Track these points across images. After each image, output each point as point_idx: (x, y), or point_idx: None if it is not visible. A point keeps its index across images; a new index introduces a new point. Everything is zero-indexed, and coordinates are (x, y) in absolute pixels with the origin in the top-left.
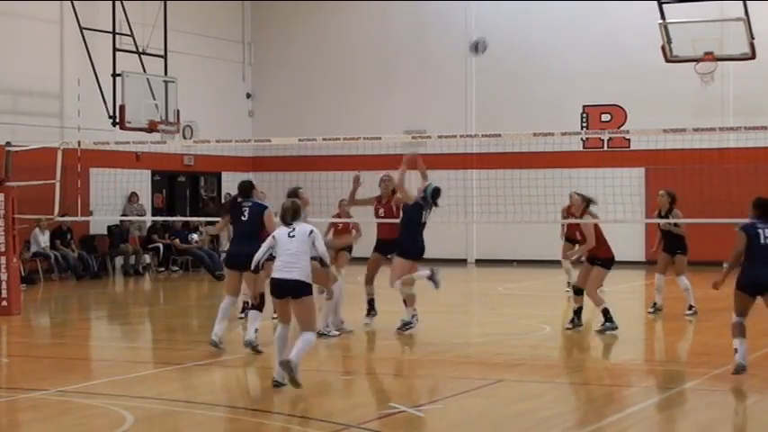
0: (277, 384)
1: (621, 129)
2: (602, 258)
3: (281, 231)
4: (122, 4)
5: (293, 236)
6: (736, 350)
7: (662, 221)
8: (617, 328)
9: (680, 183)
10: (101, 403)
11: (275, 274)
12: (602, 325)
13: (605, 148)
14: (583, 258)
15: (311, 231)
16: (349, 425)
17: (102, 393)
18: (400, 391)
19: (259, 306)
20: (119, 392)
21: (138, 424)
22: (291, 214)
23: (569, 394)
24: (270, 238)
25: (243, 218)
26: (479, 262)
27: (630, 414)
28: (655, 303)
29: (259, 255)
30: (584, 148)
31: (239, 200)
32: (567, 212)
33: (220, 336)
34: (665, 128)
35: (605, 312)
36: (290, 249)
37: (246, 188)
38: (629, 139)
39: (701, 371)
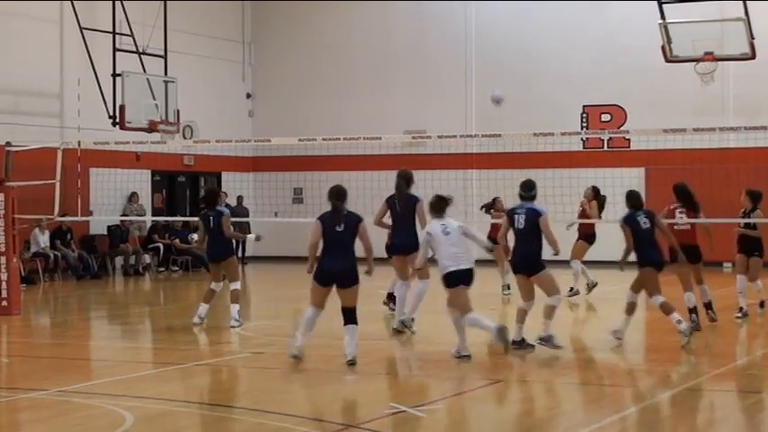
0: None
1: (621, 129)
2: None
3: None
4: (122, 4)
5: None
6: (679, 321)
7: (737, 220)
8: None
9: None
10: (101, 403)
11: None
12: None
13: (605, 148)
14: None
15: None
16: (349, 425)
17: (102, 393)
18: (400, 391)
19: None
20: (119, 392)
21: (138, 424)
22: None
23: (569, 394)
24: (426, 234)
25: (211, 225)
26: (479, 262)
27: (630, 414)
28: (741, 308)
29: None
30: (584, 148)
31: (204, 210)
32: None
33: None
34: (665, 128)
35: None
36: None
37: (211, 198)
38: (629, 139)
39: (701, 371)
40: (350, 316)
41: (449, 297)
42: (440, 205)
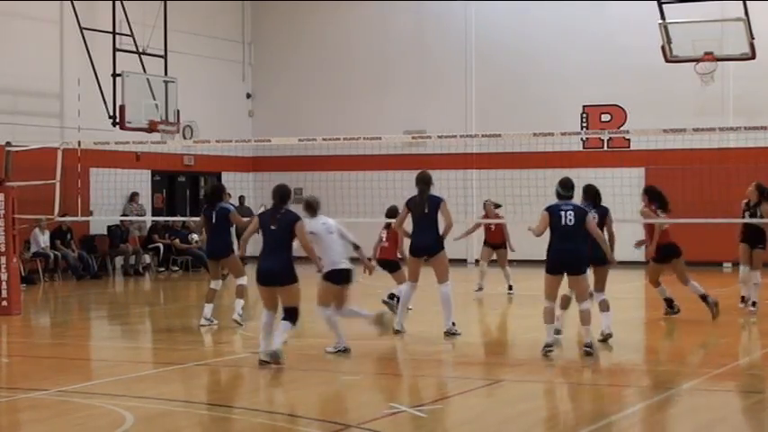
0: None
1: (621, 129)
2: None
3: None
4: (122, 4)
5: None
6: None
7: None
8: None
9: (680, 183)
10: (101, 403)
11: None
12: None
13: (605, 148)
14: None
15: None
16: (349, 425)
17: (102, 393)
18: (400, 391)
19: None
20: (119, 392)
21: (138, 424)
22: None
23: (569, 394)
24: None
25: (213, 221)
26: (479, 262)
27: (630, 414)
28: (743, 297)
29: None
30: (584, 148)
31: (206, 206)
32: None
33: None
34: (665, 128)
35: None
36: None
37: (215, 194)
38: (629, 139)
39: (701, 371)
40: (287, 313)
41: (321, 294)
42: (314, 206)
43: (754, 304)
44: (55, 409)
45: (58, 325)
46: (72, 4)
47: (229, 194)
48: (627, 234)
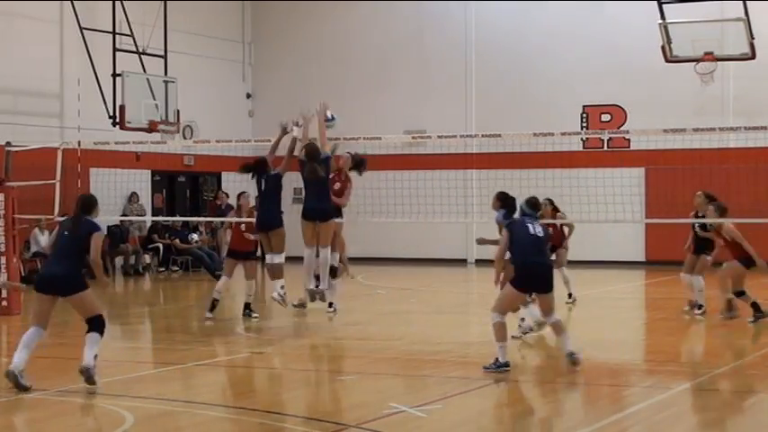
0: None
1: (621, 129)
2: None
3: None
4: (122, 4)
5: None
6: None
7: (691, 220)
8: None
9: (680, 183)
10: (101, 403)
11: None
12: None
13: (605, 148)
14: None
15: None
16: (349, 425)
17: (102, 393)
18: (400, 391)
19: None
20: (119, 392)
21: (138, 424)
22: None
23: (569, 394)
24: None
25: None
26: (479, 262)
27: (630, 414)
28: (690, 301)
29: None
30: (584, 148)
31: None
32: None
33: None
34: (665, 128)
35: (755, 306)
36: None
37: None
38: (629, 139)
39: (701, 371)
40: (90, 323)
41: None
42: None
43: (700, 307)
44: (55, 409)
45: (58, 325)
46: (72, 4)
47: (227, 194)
48: (627, 234)
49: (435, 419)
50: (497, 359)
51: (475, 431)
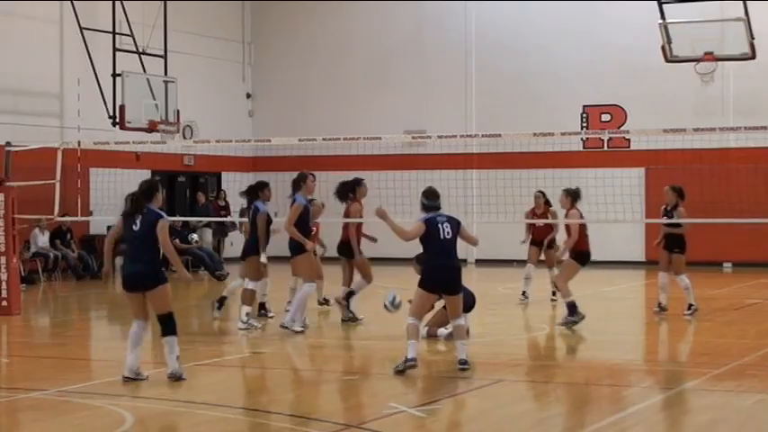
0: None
1: (621, 129)
2: (577, 251)
3: None
4: (122, 4)
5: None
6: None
7: (663, 221)
8: (578, 321)
9: (680, 183)
10: (101, 403)
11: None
12: (565, 318)
13: (605, 148)
14: (565, 256)
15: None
16: (349, 425)
17: (102, 393)
18: (400, 391)
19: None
20: (119, 392)
21: (138, 424)
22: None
23: (569, 394)
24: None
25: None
26: (479, 262)
27: (630, 414)
28: (660, 303)
29: None
30: (584, 148)
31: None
32: (532, 214)
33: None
34: (665, 128)
35: (571, 306)
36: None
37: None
38: (629, 139)
39: (701, 371)
40: (164, 325)
41: None
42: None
43: (690, 307)
44: (55, 409)
45: (58, 325)
46: (72, 4)
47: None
48: (627, 234)
49: (435, 419)
50: (406, 356)
51: (475, 431)
